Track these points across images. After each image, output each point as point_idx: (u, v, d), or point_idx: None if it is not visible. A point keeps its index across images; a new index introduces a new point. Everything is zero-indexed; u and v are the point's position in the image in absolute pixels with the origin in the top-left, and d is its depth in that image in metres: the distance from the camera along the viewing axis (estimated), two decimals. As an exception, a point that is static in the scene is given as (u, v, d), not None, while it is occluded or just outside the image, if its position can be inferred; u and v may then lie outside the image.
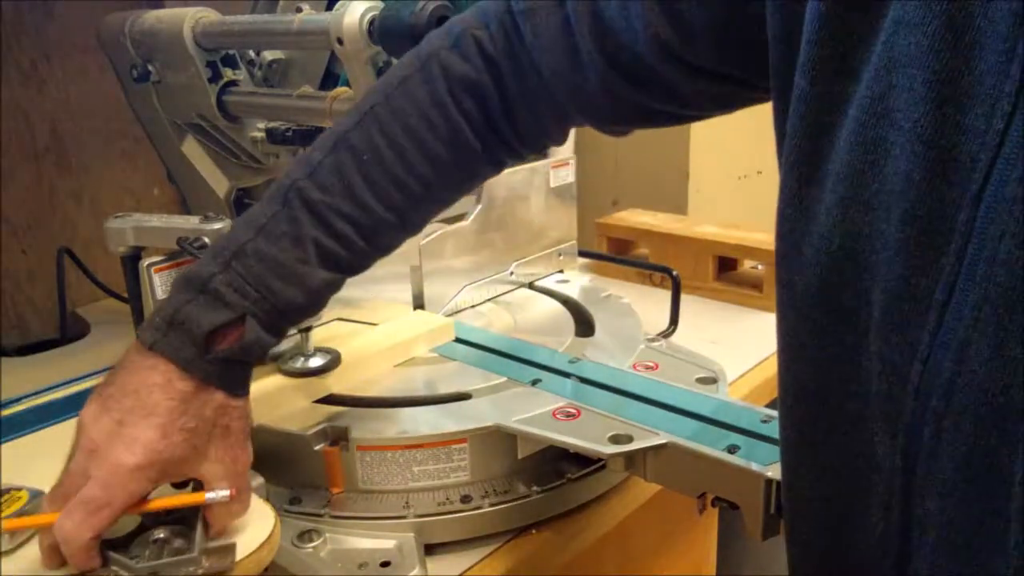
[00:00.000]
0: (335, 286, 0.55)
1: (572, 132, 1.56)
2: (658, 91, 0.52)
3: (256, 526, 0.55)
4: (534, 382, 0.68)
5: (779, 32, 0.39)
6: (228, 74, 0.81)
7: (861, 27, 0.35)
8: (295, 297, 0.52)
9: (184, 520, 0.51)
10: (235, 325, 0.51)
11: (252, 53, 0.83)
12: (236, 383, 0.52)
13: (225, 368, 0.51)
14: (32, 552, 0.56)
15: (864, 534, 0.38)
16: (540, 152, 0.61)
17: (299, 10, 0.72)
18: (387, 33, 0.60)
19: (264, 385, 0.66)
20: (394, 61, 0.64)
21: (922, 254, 0.33)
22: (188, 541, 0.50)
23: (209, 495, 0.50)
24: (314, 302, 0.54)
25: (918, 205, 0.33)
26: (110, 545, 0.49)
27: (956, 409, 0.32)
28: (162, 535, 0.50)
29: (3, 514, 0.56)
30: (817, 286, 0.38)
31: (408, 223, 0.57)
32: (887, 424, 0.35)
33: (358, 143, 0.54)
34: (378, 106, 0.55)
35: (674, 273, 0.90)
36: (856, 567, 0.39)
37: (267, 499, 0.57)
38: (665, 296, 0.90)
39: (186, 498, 0.51)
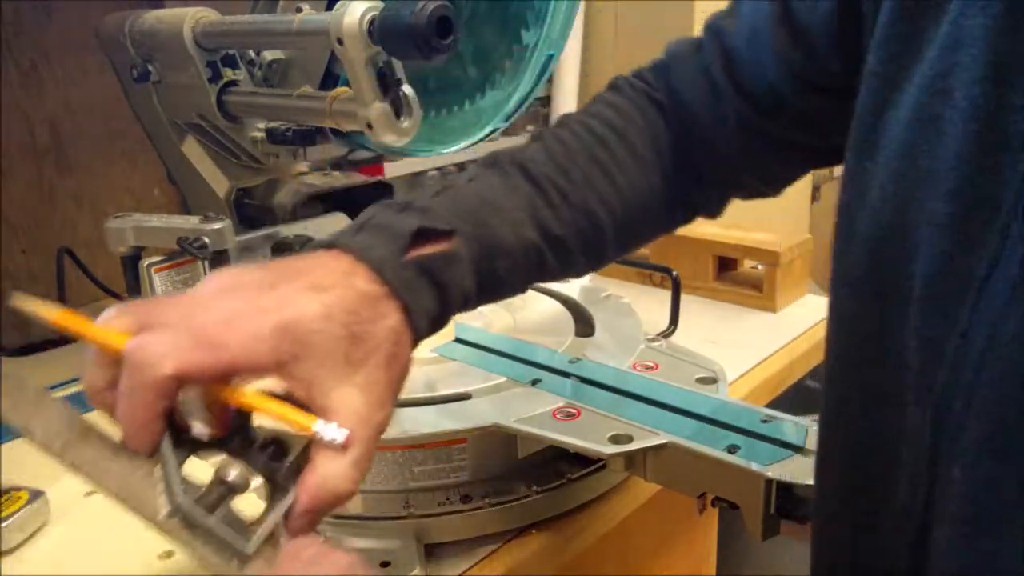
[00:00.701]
0: (541, 262, 0.50)
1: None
2: (792, 119, 0.53)
3: (256, 526, 0.55)
4: (534, 382, 0.68)
5: (870, 13, 0.41)
6: (228, 74, 0.81)
7: (932, 7, 0.36)
8: (507, 237, 0.47)
9: (272, 478, 0.37)
10: (441, 239, 0.44)
11: (252, 53, 0.83)
12: (421, 311, 0.42)
13: (418, 282, 0.42)
14: (36, 550, 0.56)
15: (889, 508, 0.39)
16: (709, 209, 0.62)
17: (299, 10, 0.72)
18: (387, 33, 0.60)
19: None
20: (394, 61, 0.64)
21: (967, 231, 0.34)
22: (243, 523, 0.36)
23: (319, 426, 0.36)
24: (521, 261, 0.49)
25: (966, 183, 0.34)
26: (175, 431, 0.36)
27: (985, 382, 0.33)
28: (232, 478, 0.36)
29: (3, 514, 0.56)
30: (866, 260, 0.39)
31: (611, 218, 0.54)
32: (920, 397, 0.36)
33: (560, 133, 0.55)
34: (578, 111, 0.58)
35: (674, 273, 0.90)
36: (879, 543, 0.40)
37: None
38: (665, 296, 0.90)
39: (292, 412, 0.37)
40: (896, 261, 0.37)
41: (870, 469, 0.40)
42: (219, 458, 0.37)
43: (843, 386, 0.42)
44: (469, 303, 0.47)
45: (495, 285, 0.48)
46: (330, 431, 0.36)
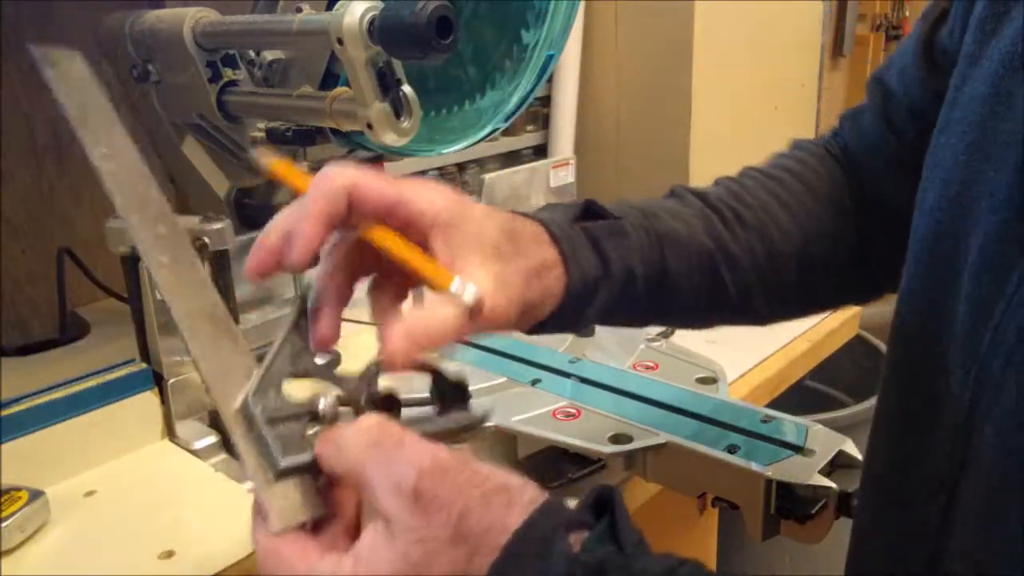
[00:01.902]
0: (714, 271, 0.50)
1: (571, 131, 1.57)
2: None
3: (256, 526, 0.55)
4: (534, 382, 0.68)
5: None
6: (228, 74, 0.81)
7: None
8: (678, 231, 0.49)
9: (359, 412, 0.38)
10: (611, 220, 0.48)
11: (252, 53, 0.83)
12: (576, 263, 0.45)
13: (579, 239, 0.45)
14: (36, 550, 0.56)
15: (926, 469, 0.40)
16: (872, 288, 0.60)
17: (299, 10, 0.72)
18: (387, 33, 0.60)
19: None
20: (394, 61, 0.64)
21: None
22: (302, 446, 0.36)
23: (456, 284, 0.38)
24: (693, 259, 0.50)
25: None
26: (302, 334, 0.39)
27: None
28: (322, 405, 0.37)
29: (3, 514, 0.56)
30: (933, 231, 0.40)
31: (789, 246, 0.54)
32: (965, 361, 0.37)
33: (736, 177, 0.57)
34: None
35: (674, 273, 0.90)
36: (914, 507, 0.40)
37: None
38: (665, 296, 0.90)
39: (432, 265, 0.39)
40: (956, 232, 0.38)
41: (912, 435, 0.41)
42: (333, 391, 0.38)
43: (900, 355, 0.43)
44: (635, 283, 0.48)
45: (665, 275, 0.49)
46: (466, 290, 0.37)
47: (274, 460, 0.35)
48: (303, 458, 0.35)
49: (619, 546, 0.32)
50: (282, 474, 0.35)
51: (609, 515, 0.33)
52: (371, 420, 0.35)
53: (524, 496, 0.32)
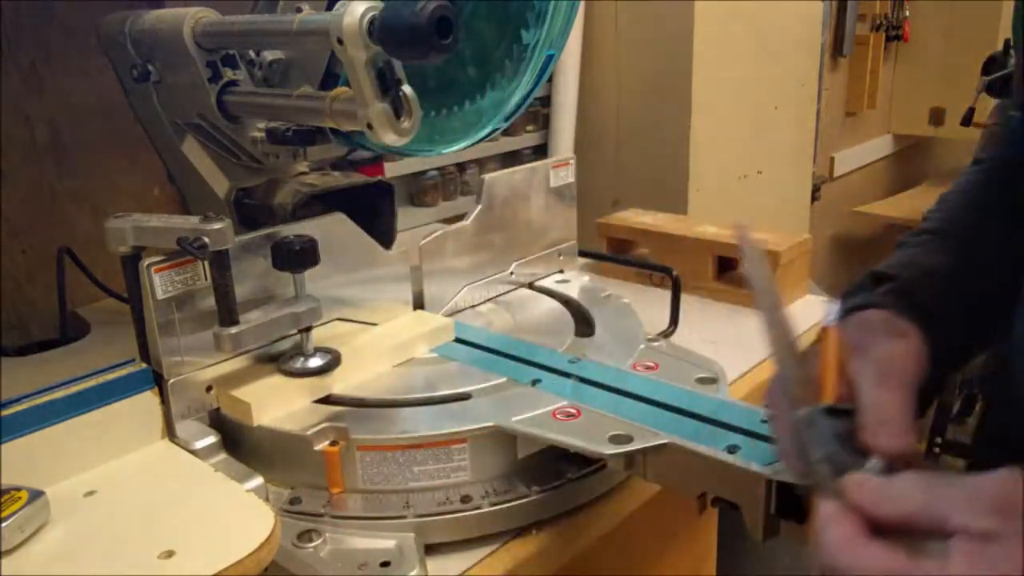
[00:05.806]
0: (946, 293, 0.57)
1: (571, 131, 1.56)
2: None
3: (256, 526, 0.55)
4: (534, 382, 0.68)
5: None
6: (228, 74, 0.81)
7: None
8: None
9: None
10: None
11: (252, 53, 0.83)
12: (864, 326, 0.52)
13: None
14: (36, 550, 0.56)
15: None
16: None
17: (299, 10, 0.72)
18: (387, 33, 0.60)
19: (264, 385, 0.66)
20: (394, 61, 0.64)
21: None
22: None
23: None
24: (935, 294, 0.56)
25: None
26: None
27: None
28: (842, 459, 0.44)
29: (3, 514, 0.56)
30: None
31: (971, 266, 0.59)
32: None
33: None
34: None
35: (674, 273, 0.90)
36: None
37: (267, 499, 0.57)
38: (665, 296, 0.90)
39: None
40: None
41: None
42: None
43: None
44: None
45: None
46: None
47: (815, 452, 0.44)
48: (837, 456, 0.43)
49: None
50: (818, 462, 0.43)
51: None
52: (913, 476, 0.39)
53: None
